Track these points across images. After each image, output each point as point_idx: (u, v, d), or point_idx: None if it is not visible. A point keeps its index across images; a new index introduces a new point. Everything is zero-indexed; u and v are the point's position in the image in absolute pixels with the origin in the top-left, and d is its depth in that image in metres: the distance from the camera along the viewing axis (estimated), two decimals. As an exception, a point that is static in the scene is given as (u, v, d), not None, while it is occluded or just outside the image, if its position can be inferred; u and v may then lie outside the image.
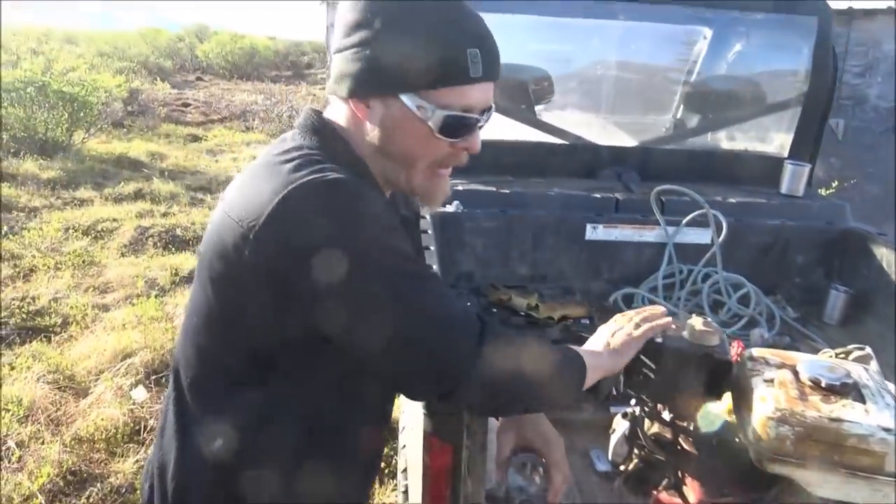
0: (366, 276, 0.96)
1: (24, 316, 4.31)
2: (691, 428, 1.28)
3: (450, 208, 2.39)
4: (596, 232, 2.50)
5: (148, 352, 3.81)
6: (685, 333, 1.27)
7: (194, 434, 1.11)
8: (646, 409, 1.32)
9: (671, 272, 2.51)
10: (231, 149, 10.38)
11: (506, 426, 1.32)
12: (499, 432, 1.33)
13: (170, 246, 5.83)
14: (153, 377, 3.63)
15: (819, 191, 3.69)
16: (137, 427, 3.27)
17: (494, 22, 1.13)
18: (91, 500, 2.82)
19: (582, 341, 1.84)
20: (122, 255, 5.63)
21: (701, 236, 2.54)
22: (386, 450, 2.57)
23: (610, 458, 1.36)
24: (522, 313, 2.28)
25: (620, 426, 1.32)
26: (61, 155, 8.36)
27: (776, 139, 3.07)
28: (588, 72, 3.27)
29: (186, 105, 13.83)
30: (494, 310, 2.32)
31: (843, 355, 1.40)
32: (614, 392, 1.35)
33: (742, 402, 1.20)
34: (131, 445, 3.16)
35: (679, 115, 3.35)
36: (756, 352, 1.28)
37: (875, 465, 1.05)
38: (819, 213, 2.66)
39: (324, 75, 19.56)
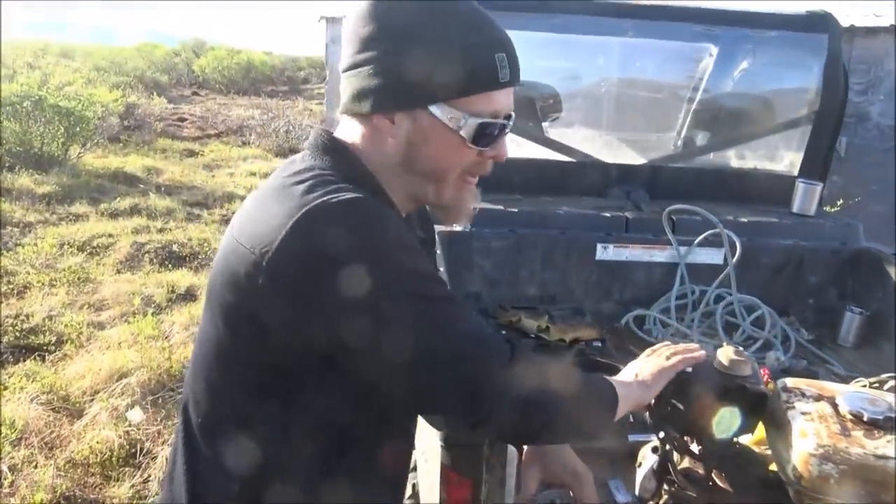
0: (390, 301, 0.90)
1: (17, 334, 4.22)
2: (724, 462, 1.22)
3: (457, 227, 2.34)
4: (606, 252, 2.45)
5: (144, 371, 3.72)
6: (716, 364, 1.22)
7: (207, 480, 1.05)
8: (675, 442, 1.26)
9: (683, 293, 2.46)
10: (227, 164, 10.32)
11: (530, 460, 1.26)
12: (524, 467, 1.26)
13: (166, 262, 5.74)
14: (150, 398, 3.55)
15: (824, 209, 3.65)
16: (133, 450, 3.18)
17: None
18: (85, 526, 2.74)
19: (598, 366, 1.79)
20: (118, 271, 5.54)
21: (712, 256, 2.50)
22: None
23: (637, 492, 1.30)
24: (533, 335, 2.22)
25: (648, 459, 1.26)
26: (57, 169, 8.28)
27: (785, 157, 3.04)
28: (594, 88, 3.23)
29: (183, 120, 13.78)
30: (503, 332, 2.26)
31: (876, 385, 1.35)
32: (631, 419, 1.30)
33: (779, 437, 1.14)
34: (127, 469, 3.07)
35: (685, 133, 3.32)
36: (790, 382, 1.23)
37: (925, 506, 1.00)
38: (832, 232, 2.62)
39: (321, 90, 19.63)
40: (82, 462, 3.07)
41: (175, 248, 5.96)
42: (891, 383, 1.33)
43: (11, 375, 3.72)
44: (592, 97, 3.26)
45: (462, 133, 1.00)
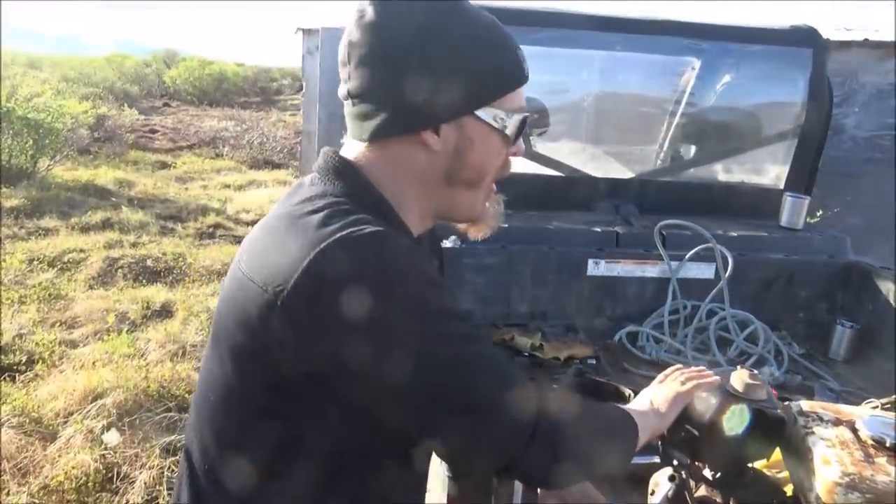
0: (416, 345, 0.85)
1: (-14, 354, 4.10)
2: (740, 489, 1.19)
3: (447, 244, 2.29)
4: (598, 267, 2.42)
5: (120, 392, 3.61)
6: (729, 388, 1.19)
7: None
8: (689, 469, 1.23)
9: (675, 308, 2.44)
10: (201, 176, 10.19)
11: (548, 495, 1.22)
12: (541, 499, 1.22)
13: (140, 278, 5.63)
14: (126, 419, 3.44)
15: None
16: (110, 474, 3.08)
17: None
18: (61, 555, 2.64)
19: (598, 387, 1.76)
20: (91, 287, 5.42)
21: (703, 271, 2.48)
22: None
23: (652, 521, 1.26)
24: (526, 354, 2.18)
25: (662, 487, 1.23)
26: (25, 183, 8.10)
27: (771, 171, 3.04)
28: (580, 102, 3.22)
29: (154, 131, 13.61)
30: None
31: (889, 405, 1.33)
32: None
33: (799, 463, 1.11)
34: (104, 495, 2.98)
35: (667, 146, 3.31)
36: (806, 405, 1.20)
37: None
38: (820, 246, 2.62)
39: (294, 101, 19.52)
40: (57, 488, 2.97)
41: (149, 262, 5.86)
42: (903, 404, 1.32)
43: (-19, 397, 3.61)
44: (578, 110, 3.25)
45: (507, 131, 1.00)
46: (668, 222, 2.44)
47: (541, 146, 2.95)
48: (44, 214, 7.16)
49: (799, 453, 1.12)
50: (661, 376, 1.23)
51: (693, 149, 3.15)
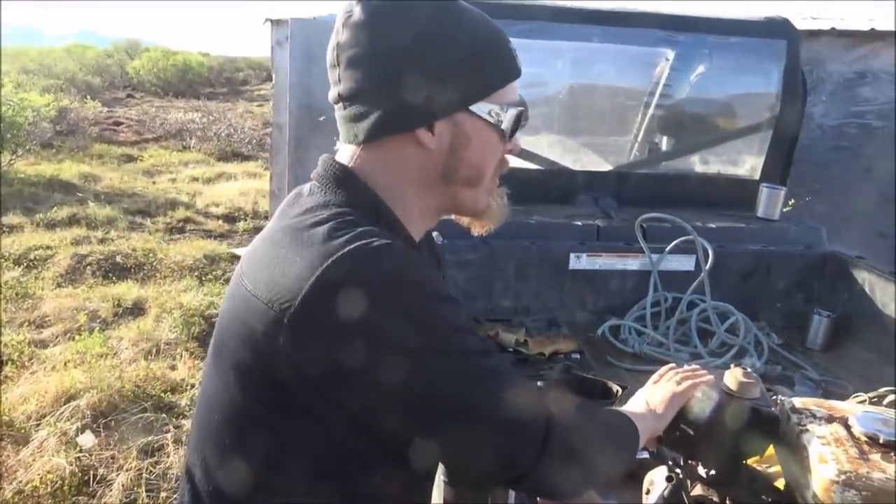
0: (428, 359, 0.84)
1: (-48, 356, 4.00)
2: (736, 487, 1.19)
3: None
4: (580, 261, 2.43)
5: (94, 393, 3.55)
6: (723, 387, 1.20)
7: None
8: (684, 468, 1.23)
9: (656, 300, 2.45)
10: (168, 169, 10.02)
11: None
12: (538, 504, 1.21)
13: (110, 274, 5.53)
14: (101, 420, 3.39)
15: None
16: (86, 477, 3.03)
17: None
18: (38, 562, 2.59)
19: (584, 383, 1.76)
20: (59, 285, 5.31)
21: (683, 263, 2.50)
22: None
23: (647, 521, 1.27)
24: (511, 349, 2.18)
25: (658, 486, 1.23)
26: (-14, 178, 7.92)
27: (747, 162, 3.07)
28: (556, 94, 3.21)
29: (118, 124, 13.36)
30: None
31: (875, 399, 1.35)
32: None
33: (794, 461, 1.12)
34: (80, 498, 2.92)
35: (642, 136, 3.33)
36: (798, 402, 1.21)
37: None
38: (797, 237, 2.65)
39: (261, 92, 19.28)
40: (32, 493, 2.91)
41: (119, 259, 5.75)
42: (890, 398, 1.34)
43: (-52, 401, 3.52)
44: (553, 102, 3.24)
45: (503, 126, 0.99)
46: (649, 216, 2.45)
47: (520, 140, 2.94)
48: (7, 211, 6.99)
49: (794, 451, 1.13)
50: (655, 376, 1.23)
51: (667, 140, 3.16)
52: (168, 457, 3.20)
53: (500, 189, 1.09)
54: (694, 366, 1.26)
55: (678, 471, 1.21)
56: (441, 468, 1.21)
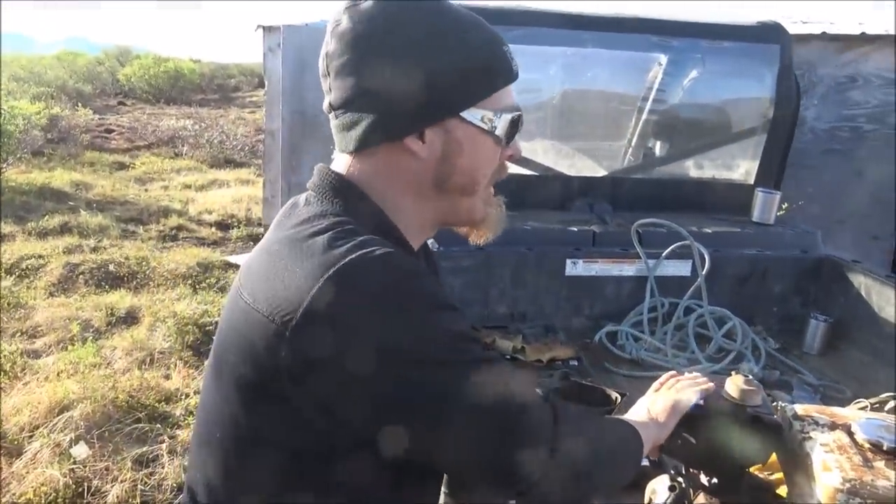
0: (434, 371, 0.82)
1: (-56, 367, 3.96)
2: (739, 495, 1.19)
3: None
4: (576, 267, 2.42)
5: (88, 403, 3.52)
6: (724, 394, 1.19)
7: None
8: (686, 477, 1.22)
9: (653, 306, 2.45)
10: (161, 176, 9.98)
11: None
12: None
13: (103, 283, 5.50)
14: (95, 431, 3.35)
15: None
16: (80, 489, 3.00)
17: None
18: (32, 575, 2.56)
19: (583, 390, 1.75)
20: (51, 294, 5.27)
21: (679, 268, 2.49)
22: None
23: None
24: (508, 356, 2.17)
25: (660, 495, 1.22)
26: (-23, 187, 7.87)
27: (741, 166, 3.07)
28: (550, 99, 3.21)
29: (110, 131, 13.30)
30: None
31: (877, 405, 1.34)
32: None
33: (797, 469, 1.12)
34: (75, 510, 2.90)
35: (636, 142, 3.33)
36: (800, 409, 1.20)
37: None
38: (793, 241, 2.65)
39: (253, 98, 19.25)
40: (25, 506, 2.88)
41: (111, 267, 5.72)
42: (891, 403, 1.33)
43: (-60, 413, 3.49)
44: (547, 108, 3.24)
45: (497, 132, 0.96)
46: (645, 221, 2.45)
47: (520, 145, 2.94)
48: (-2, 220, 6.95)
49: (797, 458, 1.12)
50: (656, 384, 1.22)
51: (661, 145, 3.17)
52: (163, 468, 3.18)
53: (497, 198, 1.08)
54: (695, 373, 1.25)
55: (680, 479, 1.20)
56: (444, 479, 1.20)
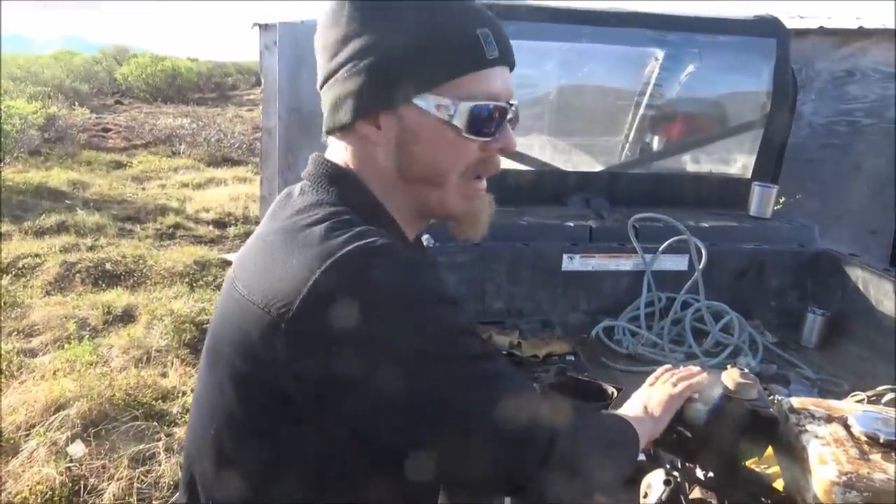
0: (433, 366, 0.81)
1: (-60, 366, 3.95)
2: (735, 489, 1.18)
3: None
4: (573, 262, 2.41)
5: (84, 401, 3.50)
6: (720, 388, 1.18)
7: None
8: (681, 470, 1.22)
9: (650, 300, 2.44)
10: (158, 175, 9.96)
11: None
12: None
13: (99, 282, 5.48)
14: (91, 430, 3.34)
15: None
16: (77, 487, 2.99)
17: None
18: (29, 574, 2.55)
19: (579, 385, 1.74)
20: (48, 293, 5.26)
21: (676, 263, 2.49)
22: None
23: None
24: (504, 352, 2.16)
25: (655, 490, 1.21)
26: (-27, 186, 7.85)
27: (738, 160, 3.07)
28: (546, 94, 3.20)
29: (107, 130, 13.27)
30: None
31: (874, 398, 1.34)
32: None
33: (793, 462, 1.11)
34: (71, 509, 2.89)
35: (632, 138, 3.32)
36: (796, 402, 1.20)
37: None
38: (790, 235, 2.64)
39: (251, 97, 19.22)
40: (21, 504, 2.87)
41: (108, 266, 5.70)
42: (889, 396, 1.32)
43: (-64, 413, 3.47)
44: (544, 103, 3.23)
45: (455, 122, 0.89)
46: (642, 215, 2.44)
47: (512, 137, 2.93)
48: (-5, 219, 6.94)
49: (793, 452, 1.11)
50: (651, 378, 1.21)
51: (658, 139, 3.16)
52: (160, 465, 3.17)
53: (482, 195, 1.00)
54: (690, 367, 1.24)
55: (676, 474, 1.19)
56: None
